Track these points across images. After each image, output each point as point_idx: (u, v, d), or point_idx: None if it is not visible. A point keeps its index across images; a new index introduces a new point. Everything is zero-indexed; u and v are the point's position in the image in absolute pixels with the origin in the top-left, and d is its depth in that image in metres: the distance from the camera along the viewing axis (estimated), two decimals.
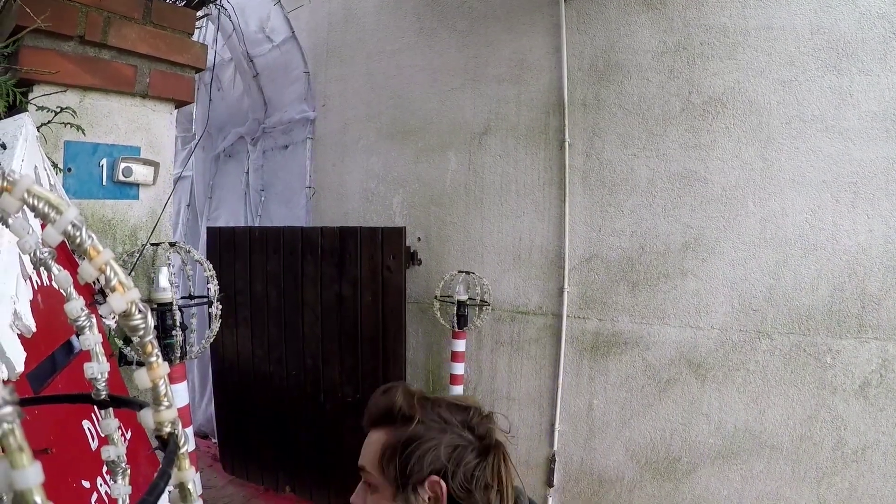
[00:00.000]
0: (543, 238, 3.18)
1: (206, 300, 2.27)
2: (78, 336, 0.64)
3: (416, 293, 3.61)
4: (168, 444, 0.50)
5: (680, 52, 2.77)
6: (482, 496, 1.05)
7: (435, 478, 1.03)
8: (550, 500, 3.13)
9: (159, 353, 0.50)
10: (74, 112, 1.95)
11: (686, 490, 2.76)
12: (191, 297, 2.36)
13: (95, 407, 0.77)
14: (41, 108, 1.88)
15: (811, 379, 2.50)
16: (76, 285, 0.64)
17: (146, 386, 0.49)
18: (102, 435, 0.83)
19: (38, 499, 0.32)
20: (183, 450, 0.51)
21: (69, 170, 1.99)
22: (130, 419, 1.46)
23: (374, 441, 1.11)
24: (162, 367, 0.50)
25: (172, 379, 2.09)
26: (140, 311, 0.47)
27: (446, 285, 3.30)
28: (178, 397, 2.16)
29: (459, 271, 3.32)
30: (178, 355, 2.10)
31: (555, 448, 3.11)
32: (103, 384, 0.66)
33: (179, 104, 2.37)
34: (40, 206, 0.41)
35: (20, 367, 1.03)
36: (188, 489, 0.54)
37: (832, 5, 2.46)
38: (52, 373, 1.22)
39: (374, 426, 1.14)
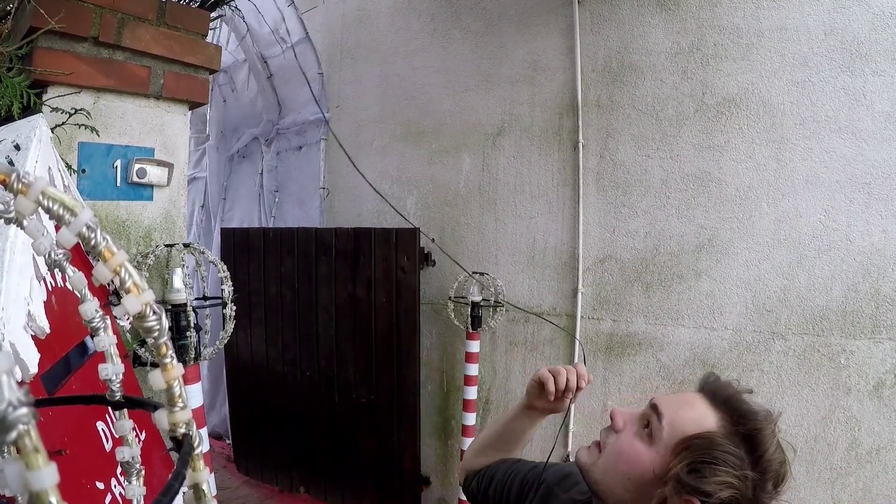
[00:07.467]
0: (557, 239, 3.17)
1: (220, 301, 2.28)
2: (92, 337, 0.64)
3: (430, 294, 3.61)
4: (182, 445, 0.50)
5: (693, 52, 2.75)
6: None
7: (696, 501, 0.83)
8: None
9: (173, 355, 0.50)
10: (88, 113, 1.96)
11: None
12: (205, 298, 2.37)
13: (110, 408, 0.77)
14: (55, 110, 1.89)
15: (825, 379, 2.48)
16: (91, 287, 0.64)
17: (160, 387, 0.49)
18: (117, 436, 0.83)
19: (52, 500, 0.32)
20: (197, 451, 0.51)
21: (83, 171, 2.00)
22: (145, 420, 1.46)
23: (699, 413, 0.93)
24: (176, 369, 0.50)
25: (187, 380, 2.11)
26: (154, 313, 0.47)
27: (460, 286, 3.30)
28: (192, 398, 2.17)
29: (473, 272, 3.32)
30: (193, 356, 2.11)
31: (569, 449, 3.09)
32: (118, 385, 0.66)
33: (194, 105, 2.37)
34: (55, 207, 0.42)
35: (34, 369, 1.03)
36: (202, 490, 0.55)
37: (846, 6, 2.43)
38: (66, 374, 1.23)
39: (707, 396, 0.96)
